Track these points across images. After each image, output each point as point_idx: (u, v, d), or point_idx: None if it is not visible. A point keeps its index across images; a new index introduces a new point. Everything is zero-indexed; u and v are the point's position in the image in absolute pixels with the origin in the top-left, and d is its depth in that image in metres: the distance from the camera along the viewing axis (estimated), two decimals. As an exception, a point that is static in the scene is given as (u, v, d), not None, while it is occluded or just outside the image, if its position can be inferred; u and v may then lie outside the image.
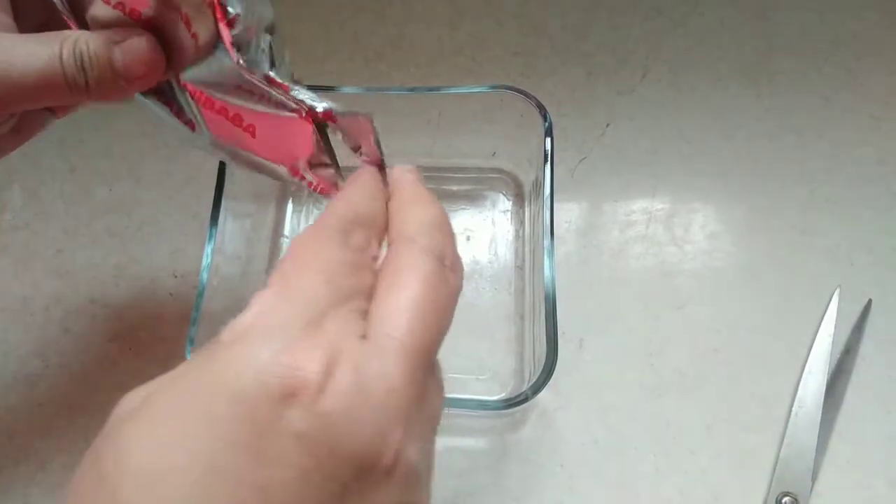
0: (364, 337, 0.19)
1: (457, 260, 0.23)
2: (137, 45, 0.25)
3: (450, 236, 0.23)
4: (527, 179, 0.44)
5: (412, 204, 0.24)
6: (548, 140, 0.37)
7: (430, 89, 0.40)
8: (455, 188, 0.45)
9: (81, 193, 0.46)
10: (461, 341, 0.41)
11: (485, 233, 0.44)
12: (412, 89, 0.40)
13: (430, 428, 0.20)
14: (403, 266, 0.21)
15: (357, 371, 0.17)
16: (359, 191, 0.25)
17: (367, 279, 0.21)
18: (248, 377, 0.16)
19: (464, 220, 0.44)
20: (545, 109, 0.38)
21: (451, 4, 0.53)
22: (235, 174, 0.37)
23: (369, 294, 0.21)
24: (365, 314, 0.20)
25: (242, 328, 0.18)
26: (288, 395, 0.16)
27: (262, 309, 0.19)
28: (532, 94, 0.39)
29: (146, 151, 0.47)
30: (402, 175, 0.26)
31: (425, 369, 0.19)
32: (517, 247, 0.43)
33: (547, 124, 0.38)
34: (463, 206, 0.45)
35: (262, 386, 0.16)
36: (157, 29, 0.25)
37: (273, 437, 0.16)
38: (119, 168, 0.47)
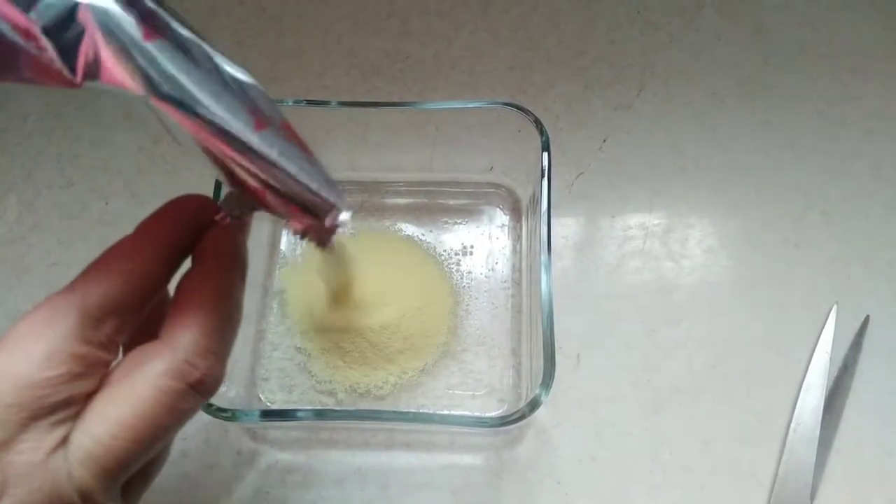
0: (65, 441, 0.19)
1: (215, 382, 0.21)
2: None
3: (222, 352, 0.21)
4: (524, 194, 0.44)
5: (201, 303, 0.21)
6: (545, 155, 0.37)
7: (428, 104, 0.40)
8: (452, 203, 0.45)
9: (78, 207, 0.46)
10: (458, 357, 0.40)
11: (482, 248, 0.44)
12: (409, 104, 0.40)
13: None
14: (144, 379, 0.19)
15: (30, 491, 0.18)
16: (138, 265, 0.21)
17: (93, 383, 0.20)
18: None
19: (461, 235, 0.44)
20: (542, 125, 0.38)
21: (448, 19, 0.53)
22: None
23: (89, 396, 0.20)
24: (76, 417, 0.19)
25: None
26: None
27: None
28: (529, 109, 0.39)
29: (143, 167, 0.47)
30: (214, 247, 0.22)
31: (115, 480, 0.19)
32: (514, 262, 0.43)
33: (544, 139, 0.38)
34: (460, 221, 0.45)
35: None
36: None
37: None
38: (116, 183, 0.47)
